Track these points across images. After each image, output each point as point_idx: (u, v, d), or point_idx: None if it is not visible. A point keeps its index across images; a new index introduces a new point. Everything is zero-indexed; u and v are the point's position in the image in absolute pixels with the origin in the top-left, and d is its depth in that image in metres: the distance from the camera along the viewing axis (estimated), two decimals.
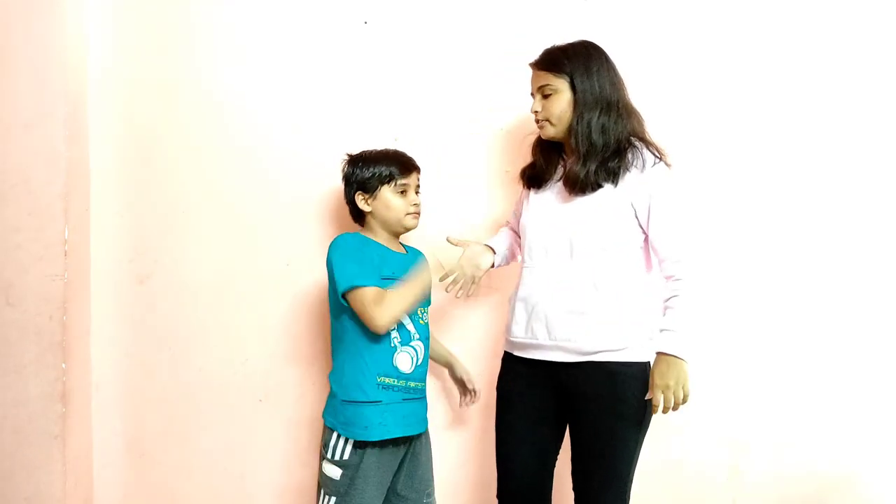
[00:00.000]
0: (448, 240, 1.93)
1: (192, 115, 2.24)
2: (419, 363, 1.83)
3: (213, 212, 2.25)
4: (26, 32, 2.09)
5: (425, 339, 1.86)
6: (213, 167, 2.24)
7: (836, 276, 2.22)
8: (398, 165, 1.85)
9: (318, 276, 2.23)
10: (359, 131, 2.19)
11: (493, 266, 1.96)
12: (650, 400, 1.68)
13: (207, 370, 2.27)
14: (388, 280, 1.79)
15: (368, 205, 1.86)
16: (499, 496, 1.87)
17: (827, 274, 2.22)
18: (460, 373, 2.07)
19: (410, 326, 1.82)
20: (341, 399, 1.77)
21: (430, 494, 1.89)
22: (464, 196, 2.22)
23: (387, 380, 1.77)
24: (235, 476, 2.29)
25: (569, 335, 1.72)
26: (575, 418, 1.77)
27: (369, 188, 1.85)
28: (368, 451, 1.74)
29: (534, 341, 1.78)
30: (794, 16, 2.19)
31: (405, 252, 1.92)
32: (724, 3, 2.20)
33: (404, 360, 1.80)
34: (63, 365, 2.11)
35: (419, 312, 1.86)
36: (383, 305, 1.71)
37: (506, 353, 1.89)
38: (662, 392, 1.65)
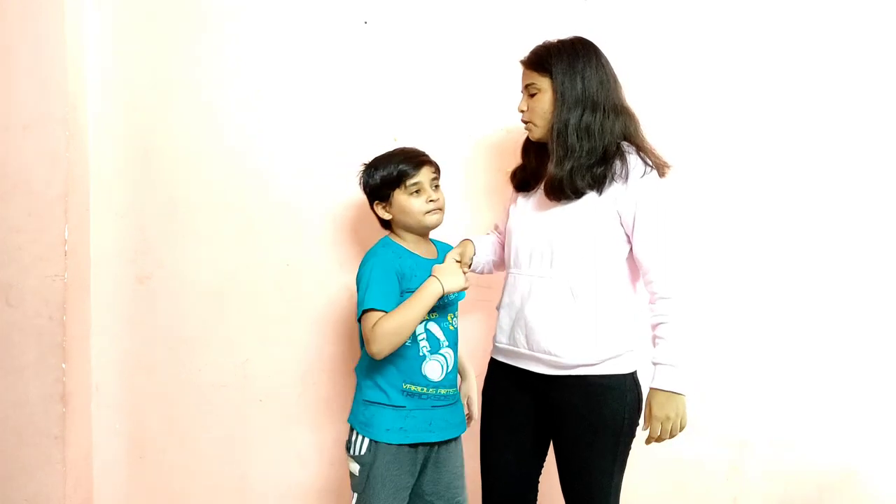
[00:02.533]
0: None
1: (192, 115, 2.23)
2: (449, 370, 1.78)
3: (213, 212, 2.24)
4: (26, 33, 2.09)
5: (454, 344, 1.81)
6: (212, 167, 2.24)
7: (835, 276, 2.22)
8: (406, 164, 1.73)
9: (318, 276, 2.23)
10: (358, 131, 2.19)
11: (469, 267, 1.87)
12: (632, 412, 1.67)
13: (207, 370, 2.27)
14: (409, 293, 1.72)
15: (388, 212, 1.76)
16: (483, 503, 1.86)
17: (826, 274, 2.22)
18: (464, 391, 1.95)
19: (440, 334, 1.77)
20: (363, 399, 1.75)
21: (461, 503, 1.84)
22: (463, 197, 2.22)
23: (413, 387, 1.72)
24: (236, 476, 2.30)
25: (548, 346, 1.68)
26: (555, 431, 1.75)
27: (383, 195, 1.75)
28: (382, 448, 1.70)
29: (515, 349, 1.75)
30: (796, 16, 2.19)
31: (436, 255, 1.83)
32: (725, 3, 2.20)
33: (434, 369, 1.75)
34: (63, 365, 2.12)
35: (449, 318, 1.79)
36: (380, 336, 1.63)
37: (492, 359, 1.87)
38: (661, 423, 1.62)
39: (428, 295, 1.67)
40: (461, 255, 1.82)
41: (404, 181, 1.73)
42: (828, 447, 2.24)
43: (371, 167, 1.78)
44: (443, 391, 1.77)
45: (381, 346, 1.65)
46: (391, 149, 1.81)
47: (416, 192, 1.74)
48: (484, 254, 1.94)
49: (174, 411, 2.29)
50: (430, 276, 1.70)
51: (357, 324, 1.75)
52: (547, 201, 1.73)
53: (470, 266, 1.87)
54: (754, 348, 2.23)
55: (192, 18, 2.22)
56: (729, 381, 2.23)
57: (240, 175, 2.24)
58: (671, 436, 1.65)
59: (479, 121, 2.20)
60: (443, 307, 1.79)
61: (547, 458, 1.87)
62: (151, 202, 2.26)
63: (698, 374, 2.14)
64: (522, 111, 1.76)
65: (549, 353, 1.68)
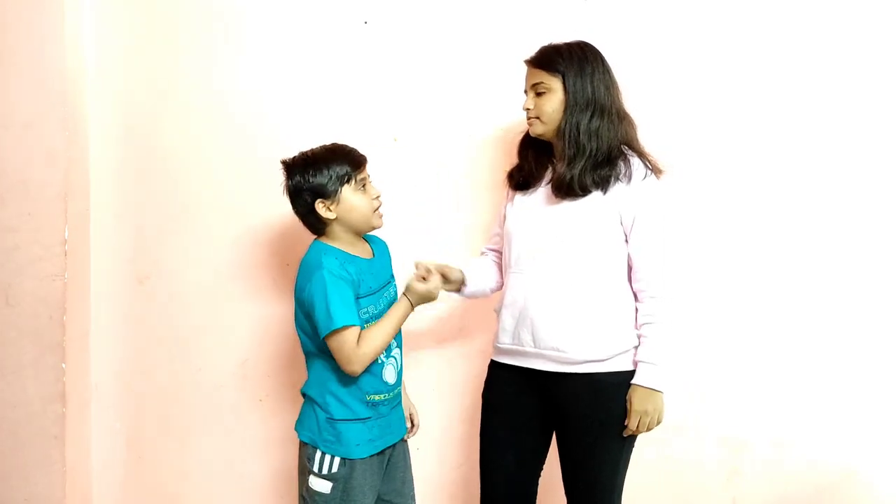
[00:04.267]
0: (416, 266, 1.76)
1: (192, 115, 2.23)
2: (400, 369, 1.78)
3: (213, 212, 2.24)
4: (25, 32, 2.08)
5: (400, 343, 1.80)
6: (212, 167, 2.24)
7: (835, 277, 2.22)
8: (351, 161, 1.69)
9: None
10: (358, 132, 2.18)
11: (458, 291, 1.86)
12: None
13: (207, 370, 2.27)
14: (365, 297, 1.69)
15: (332, 211, 1.68)
16: (482, 503, 1.87)
17: (825, 274, 2.22)
18: (406, 405, 1.90)
19: None
20: (326, 418, 1.69)
21: (413, 498, 1.86)
22: (464, 196, 2.22)
23: (376, 396, 1.71)
24: (234, 477, 2.29)
25: (555, 344, 1.70)
26: (560, 428, 1.77)
27: (329, 193, 1.67)
28: (357, 462, 1.69)
29: (520, 348, 1.76)
30: (793, 21, 2.20)
31: (371, 254, 1.79)
32: (725, 5, 2.20)
33: (390, 373, 1.74)
34: (63, 365, 2.11)
35: None
36: (360, 354, 1.62)
37: (492, 360, 1.87)
38: (640, 417, 1.68)
39: (403, 316, 1.70)
40: (428, 269, 1.75)
41: (355, 177, 1.69)
42: (828, 447, 2.24)
43: (310, 164, 1.69)
44: (396, 391, 1.78)
45: (363, 365, 1.64)
46: (320, 146, 1.74)
47: (363, 188, 1.71)
48: (479, 280, 1.90)
49: (173, 411, 2.28)
50: (402, 295, 1.72)
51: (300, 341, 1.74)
52: (552, 199, 1.76)
53: (458, 286, 1.84)
54: (754, 349, 2.23)
55: (191, 19, 2.22)
56: (729, 381, 2.23)
57: (239, 175, 2.23)
58: (647, 429, 1.71)
59: (479, 120, 2.20)
60: (382, 307, 1.76)
61: (546, 459, 1.88)
62: (151, 202, 2.25)
63: (687, 373, 2.18)
64: (528, 109, 1.77)
65: (557, 350, 1.70)
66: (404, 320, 1.72)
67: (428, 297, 1.72)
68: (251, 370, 2.27)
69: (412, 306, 1.71)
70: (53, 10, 2.08)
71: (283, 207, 2.21)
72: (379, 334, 1.66)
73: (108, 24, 2.22)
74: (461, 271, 1.85)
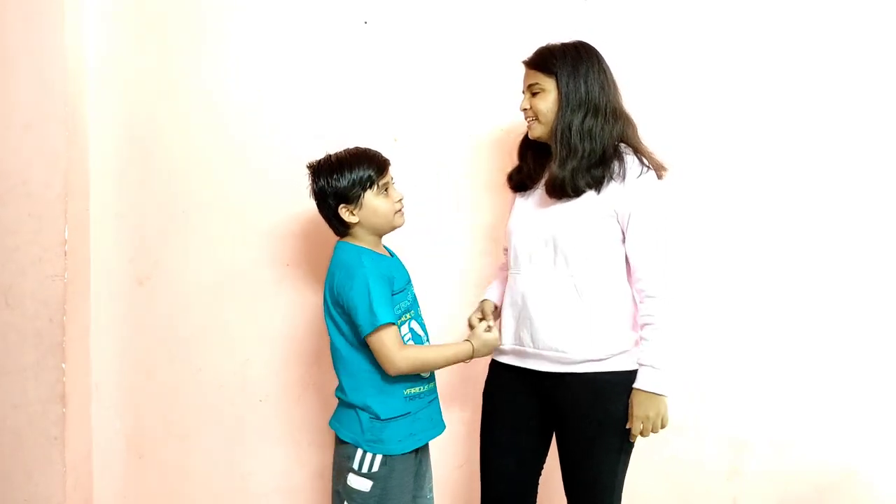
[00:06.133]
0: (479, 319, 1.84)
1: (192, 116, 2.23)
2: None
3: (213, 212, 2.24)
4: (26, 33, 2.08)
5: (429, 338, 1.84)
6: (212, 167, 2.24)
7: (835, 276, 2.23)
8: (374, 166, 1.72)
9: (318, 277, 2.23)
10: (358, 132, 2.19)
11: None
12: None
13: (207, 371, 2.27)
14: (397, 294, 1.72)
15: (355, 215, 1.71)
16: (482, 503, 1.87)
17: (826, 274, 2.23)
18: None
19: (420, 330, 1.78)
20: (369, 417, 1.70)
21: (431, 490, 1.88)
22: (464, 196, 2.22)
23: (413, 390, 1.73)
24: (235, 477, 2.29)
25: (554, 344, 1.70)
26: (559, 429, 1.77)
27: (352, 197, 1.70)
28: (398, 460, 1.71)
29: (520, 348, 1.77)
30: (793, 21, 2.20)
31: (389, 254, 1.83)
32: (725, 4, 2.20)
33: None
34: (63, 366, 2.11)
35: (420, 312, 1.82)
36: (408, 357, 1.66)
37: (493, 361, 1.88)
38: (642, 422, 1.67)
39: (458, 354, 1.73)
40: (483, 313, 1.86)
41: (377, 181, 1.71)
42: (828, 447, 2.24)
43: (334, 169, 1.71)
44: (431, 385, 1.80)
45: (406, 369, 1.67)
46: (345, 149, 1.77)
47: (385, 191, 1.74)
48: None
49: (174, 412, 2.28)
50: (466, 340, 1.75)
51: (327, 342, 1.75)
52: (546, 200, 1.76)
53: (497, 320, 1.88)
54: (754, 349, 2.24)
55: (191, 19, 2.22)
56: (729, 381, 2.24)
57: (240, 175, 2.23)
58: (652, 432, 1.70)
59: (479, 121, 2.20)
60: (413, 302, 1.81)
61: (546, 459, 1.88)
62: (151, 202, 2.25)
63: (687, 373, 2.19)
64: (525, 109, 1.78)
65: (556, 350, 1.70)
66: (457, 360, 1.74)
67: (492, 346, 1.76)
68: (252, 370, 2.27)
69: (472, 351, 1.74)
70: (54, 10, 2.08)
71: (284, 207, 2.23)
72: (430, 354, 1.71)
73: (108, 25, 2.22)
74: (494, 304, 1.90)
